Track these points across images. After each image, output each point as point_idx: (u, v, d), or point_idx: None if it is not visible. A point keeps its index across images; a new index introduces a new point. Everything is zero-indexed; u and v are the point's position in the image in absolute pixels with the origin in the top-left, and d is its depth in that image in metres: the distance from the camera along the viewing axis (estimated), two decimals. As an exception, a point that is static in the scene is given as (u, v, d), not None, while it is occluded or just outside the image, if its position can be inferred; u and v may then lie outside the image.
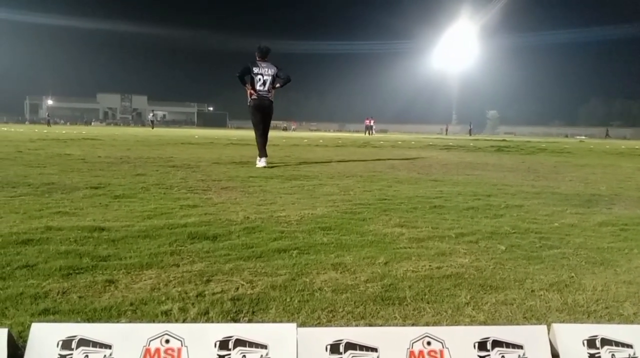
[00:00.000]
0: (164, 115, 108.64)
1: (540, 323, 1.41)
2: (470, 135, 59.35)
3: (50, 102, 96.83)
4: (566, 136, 72.77)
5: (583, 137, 63.95)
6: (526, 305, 1.90)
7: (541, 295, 2.01)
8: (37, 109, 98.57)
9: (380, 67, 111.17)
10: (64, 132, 25.96)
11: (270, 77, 7.98)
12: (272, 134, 9.76)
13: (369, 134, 46.75)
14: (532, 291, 2.06)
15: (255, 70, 7.94)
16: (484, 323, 1.73)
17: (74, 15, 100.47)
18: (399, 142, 22.20)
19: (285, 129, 70.26)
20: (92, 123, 77.17)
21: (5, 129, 31.93)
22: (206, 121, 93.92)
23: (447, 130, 75.72)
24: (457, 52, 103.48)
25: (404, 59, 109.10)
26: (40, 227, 2.93)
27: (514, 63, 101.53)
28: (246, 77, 7.95)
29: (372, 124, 50.05)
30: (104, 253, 2.42)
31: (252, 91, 7.93)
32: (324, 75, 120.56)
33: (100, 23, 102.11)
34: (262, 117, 8.15)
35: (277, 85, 8.07)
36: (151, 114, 58.71)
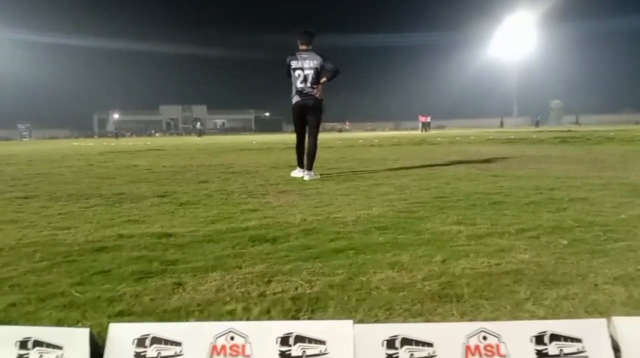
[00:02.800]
0: (223, 123, 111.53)
1: (600, 317, 1.38)
2: (537, 126, 57.20)
3: (116, 116, 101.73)
4: (637, 123, 68.77)
5: (656, 123, 60.19)
6: (588, 300, 1.86)
7: (605, 289, 1.96)
8: (104, 123, 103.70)
9: (434, 61, 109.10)
10: (130, 144, 27.24)
11: (313, 71, 6.52)
12: (326, 136, 9.75)
13: (425, 130, 46.22)
14: (595, 285, 2.01)
15: (294, 64, 6.57)
16: (543, 318, 1.71)
17: (136, 38, 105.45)
18: (457, 138, 21.75)
19: (340, 131, 70.38)
20: (156, 134, 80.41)
21: (76, 143, 33.88)
22: (263, 127, 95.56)
23: (502, 123, 73.10)
24: (516, 41, 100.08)
25: (460, 50, 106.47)
26: (112, 235, 3.14)
27: (577, 50, 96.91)
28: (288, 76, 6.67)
29: (428, 120, 49.54)
30: (172, 258, 2.56)
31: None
32: (376, 72, 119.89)
33: (160, 42, 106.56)
34: (304, 118, 6.72)
35: (323, 79, 6.59)
36: (199, 123, 57.88)
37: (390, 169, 7.39)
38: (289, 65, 6.60)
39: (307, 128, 6.77)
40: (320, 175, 6.71)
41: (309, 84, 6.54)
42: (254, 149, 15.87)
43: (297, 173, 6.74)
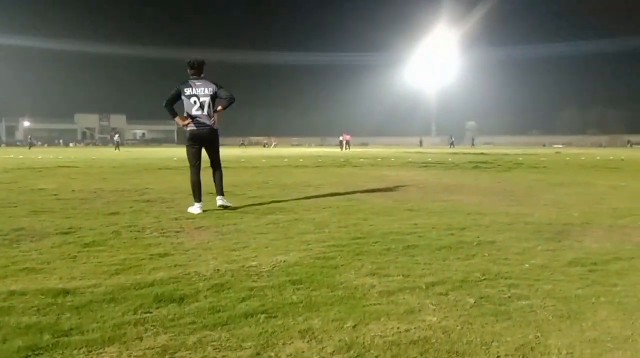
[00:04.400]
0: (143, 134, 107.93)
1: None
2: (452, 147, 59.95)
3: (27, 123, 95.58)
4: (544, 145, 74.05)
5: (560, 146, 65.17)
6: (491, 378, 1.89)
7: (506, 362, 2.01)
8: (13, 131, 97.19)
9: (360, 79, 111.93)
10: (40, 157, 25.58)
11: (208, 98, 6.39)
12: (252, 151, 9.57)
13: (346, 148, 47.77)
14: (497, 357, 2.06)
15: (188, 91, 6.36)
16: (447, 404, 1.71)
17: (50, 36, 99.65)
18: (378, 160, 22.32)
19: (265, 145, 70.27)
20: (70, 144, 76.07)
21: (-20, 154, 31.37)
22: (185, 139, 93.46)
23: (421, 142, 76.61)
24: (436, 64, 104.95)
25: (383, 70, 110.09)
26: (3, 292, 2.86)
27: (491, 74, 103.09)
28: (177, 102, 6.44)
29: (348, 138, 51.68)
30: (67, 326, 2.36)
31: (184, 120, 6.47)
32: (303, 89, 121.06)
33: (76, 44, 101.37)
34: (201, 148, 6.62)
35: (219, 108, 6.52)
36: (116, 135, 57.38)
37: (312, 198, 7.39)
38: (180, 92, 6.38)
39: (207, 156, 6.65)
40: (234, 207, 6.51)
41: (205, 112, 6.40)
42: (173, 168, 15.38)
43: (194, 209, 6.19)
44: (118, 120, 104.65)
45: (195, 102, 6.37)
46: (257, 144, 79.27)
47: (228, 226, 5.10)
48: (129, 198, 7.37)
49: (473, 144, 68.03)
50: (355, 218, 5.57)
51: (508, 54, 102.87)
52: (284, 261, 3.60)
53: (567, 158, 24.34)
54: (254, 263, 3.54)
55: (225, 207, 6.41)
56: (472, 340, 2.22)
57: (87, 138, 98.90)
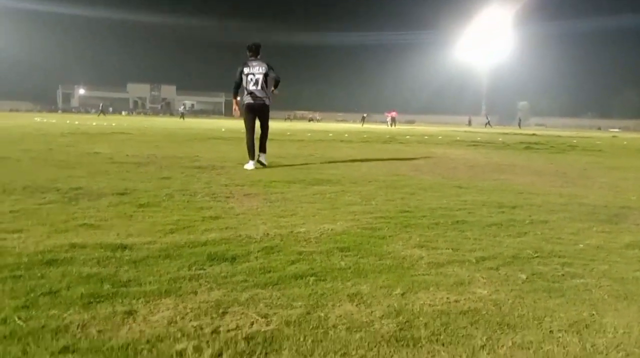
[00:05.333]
0: (192, 105, 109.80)
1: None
2: (488, 126, 58.40)
3: (82, 91, 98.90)
4: (599, 128, 70.91)
5: (617, 130, 62.25)
6: (543, 351, 1.86)
7: (559, 337, 1.97)
8: (69, 98, 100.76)
9: (408, 58, 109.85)
10: (94, 124, 26.49)
11: (262, 76, 7.80)
12: (297, 125, 9.82)
13: (392, 125, 47.50)
14: (550, 332, 2.02)
15: (246, 70, 7.87)
16: (498, 373, 1.70)
17: (105, 6, 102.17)
18: (425, 137, 21.97)
19: (310, 120, 70.21)
20: (123, 112, 78.15)
21: (39, 119, 32.78)
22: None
23: (470, 121, 74.30)
24: (487, 41, 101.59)
25: (432, 49, 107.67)
26: (65, 244, 3.01)
27: (546, 52, 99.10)
28: (238, 81, 7.97)
29: (394, 115, 51.69)
30: (125, 278, 2.46)
31: (237, 106, 8.34)
32: (350, 66, 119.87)
33: (131, 13, 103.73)
34: (255, 117, 8.03)
35: (274, 90, 8.03)
36: (182, 106, 60.06)
37: (358, 171, 7.38)
38: (241, 72, 7.91)
39: (258, 123, 8.09)
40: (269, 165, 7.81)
41: (259, 87, 7.85)
42: (222, 138, 15.64)
43: (249, 166, 7.53)
44: (168, 90, 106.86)
45: (251, 79, 7.83)
46: (302, 118, 79.23)
47: (276, 194, 5.16)
48: (181, 165, 7.56)
49: (520, 125, 65.69)
50: (402, 192, 5.52)
51: (564, 29, 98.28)
52: (332, 229, 3.63)
53: (625, 142, 23.27)
54: (302, 230, 3.58)
55: (262, 164, 7.72)
56: (524, 314, 2.19)
57: (138, 107, 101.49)
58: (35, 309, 2.08)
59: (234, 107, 8.44)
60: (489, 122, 63.46)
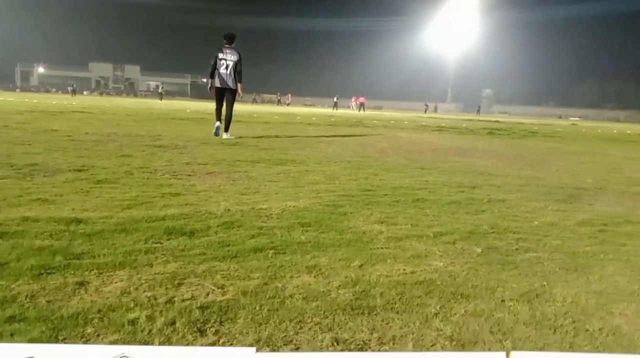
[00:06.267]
0: (157, 86, 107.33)
1: (500, 350, 1.41)
2: (478, 114, 59.56)
3: (41, 69, 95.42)
4: (560, 117, 72.81)
5: (577, 119, 64.06)
6: (494, 318, 1.91)
7: (510, 306, 2.03)
8: (28, 77, 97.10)
9: (377, 44, 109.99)
10: (53, 102, 25.64)
11: (232, 63, 9.30)
12: (264, 108, 9.93)
13: (361, 111, 47.98)
14: (502, 301, 2.07)
15: (221, 55, 9.35)
16: (450, 337, 1.74)
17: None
18: (392, 122, 22.13)
19: (279, 102, 69.49)
20: (84, 92, 75.65)
21: (-5, 97, 31.51)
22: (200, 93, 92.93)
23: (435, 108, 74.76)
24: (454, 28, 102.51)
25: (401, 36, 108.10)
26: (17, 218, 2.91)
27: (511, 40, 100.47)
28: (214, 64, 9.38)
29: (362, 101, 53.35)
30: (78, 251, 2.40)
31: (212, 83, 9.53)
32: (320, 51, 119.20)
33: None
34: (222, 96, 9.51)
35: (240, 85, 9.49)
36: (160, 86, 59.75)
37: (323, 154, 7.37)
38: (216, 56, 9.36)
39: (224, 102, 9.50)
40: (239, 138, 9.16)
41: (228, 72, 9.35)
42: (186, 119, 15.37)
43: (216, 124, 9.33)
44: (132, 70, 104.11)
45: (223, 63, 9.34)
46: (269, 101, 78.39)
47: (239, 173, 5.12)
48: (142, 143, 7.40)
49: (479, 113, 66.79)
50: (366, 173, 5.55)
51: (529, 17, 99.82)
52: (294, 206, 3.62)
53: (583, 130, 23.98)
54: (264, 206, 3.56)
55: (223, 138, 9.03)
56: (477, 285, 2.23)
57: (101, 87, 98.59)
58: (-19, 280, 2.00)
59: (208, 86, 9.71)
60: (427, 107, 65.33)
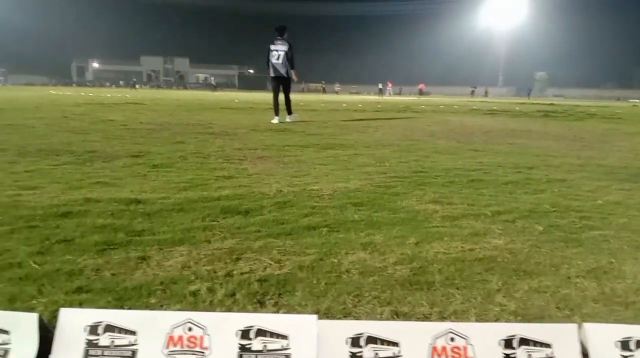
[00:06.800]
0: (206, 78, 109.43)
1: (571, 322, 1.35)
2: (529, 97, 57.97)
3: (96, 64, 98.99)
4: (618, 99, 69.36)
5: (637, 101, 60.87)
6: (560, 294, 1.83)
7: (577, 283, 1.94)
8: (83, 72, 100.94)
9: (423, 28, 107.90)
10: (108, 95, 26.57)
11: (283, 53, 10.10)
12: (311, 97, 10.01)
13: (384, 96, 51.31)
14: (567, 278, 1.99)
15: (272, 47, 10.17)
16: (514, 312, 1.68)
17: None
18: (441, 107, 21.69)
19: (324, 90, 69.34)
20: (136, 86, 78.11)
21: (54, 92, 32.93)
22: (247, 84, 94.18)
23: (486, 92, 71.58)
24: (505, 9, 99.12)
25: (447, 18, 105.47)
26: (79, 199, 3.02)
27: (565, 21, 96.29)
28: (268, 56, 10.20)
29: (389, 87, 57.28)
30: (139, 228, 2.47)
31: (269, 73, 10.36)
32: (364, 37, 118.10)
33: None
34: (278, 85, 10.33)
35: (294, 72, 10.26)
36: (212, 79, 61.57)
37: (371, 137, 7.31)
38: (269, 48, 10.18)
39: (281, 89, 10.40)
40: (302, 121, 10.21)
41: (280, 61, 10.13)
42: (235, 108, 15.60)
43: (274, 120, 9.88)
44: (182, 63, 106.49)
45: (275, 54, 10.15)
46: (315, 90, 78.34)
47: (289, 157, 5.14)
48: (194, 131, 7.56)
49: (529, 96, 64.34)
50: (417, 155, 5.46)
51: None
52: (345, 187, 3.60)
53: (646, 111, 22.76)
54: (315, 188, 3.56)
55: (291, 121, 10.08)
56: (540, 262, 2.15)
57: (152, 80, 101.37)
58: (49, 255, 2.09)
59: (269, 75, 10.49)
60: (474, 91, 64.03)
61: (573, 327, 1.29)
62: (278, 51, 10.10)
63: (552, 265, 2.12)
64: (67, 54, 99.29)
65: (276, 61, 10.09)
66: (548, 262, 2.15)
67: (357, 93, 79.20)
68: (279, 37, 10.19)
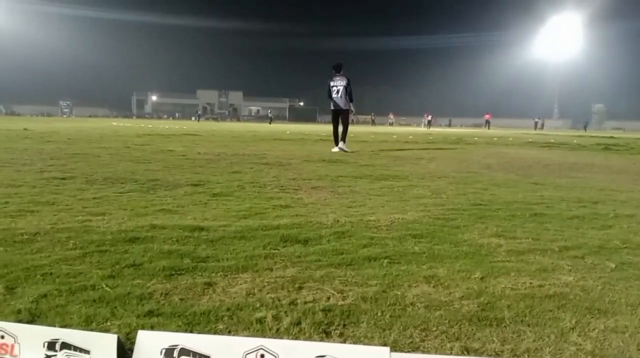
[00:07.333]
0: (258, 110, 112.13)
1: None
2: (586, 130, 56.22)
3: (154, 97, 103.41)
4: (685, 132, 65.95)
5: None
6: (641, 335, 1.73)
7: (658, 324, 1.83)
8: (142, 105, 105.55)
9: (473, 60, 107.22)
10: (166, 127, 27.62)
11: (342, 87, 10.97)
12: (360, 128, 9.95)
13: (427, 127, 53.68)
14: (647, 318, 1.88)
15: (332, 83, 11.13)
16: (591, 353, 1.60)
17: (176, 15, 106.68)
18: (495, 139, 21.29)
19: (373, 122, 69.44)
20: (192, 118, 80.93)
21: (115, 123, 34.58)
22: (297, 116, 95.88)
23: (542, 125, 68.73)
24: (560, 41, 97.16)
25: (500, 51, 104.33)
26: (145, 225, 3.13)
27: (623, 51, 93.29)
28: (328, 91, 11.17)
29: (429, 118, 60.04)
30: (203, 254, 2.53)
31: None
32: (416, 70, 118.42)
33: (200, 21, 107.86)
34: (338, 117, 11.15)
35: (351, 106, 11.14)
36: (269, 112, 63.82)
37: (425, 168, 7.24)
38: (329, 84, 11.16)
39: (339, 121, 11.16)
40: (352, 151, 10.72)
41: (339, 95, 11.03)
42: (287, 139, 15.87)
43: (335, 149, 10.76)
44: (235, 96, 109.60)
45: (335, 89, 11.08)
46: (364, 122, 78.62)
47: (343, 187, 5.16)
48: (250, 161, 7.72)
49: (586, 129, 61.96)
50: (474, 188, 5.36)
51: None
52: (402, 218, 3.57)
53: None
54: (372, 218, 3.54)
55: (343, 150, 10.58)
56: (615, 300, 2.05)
57: (207, 113, 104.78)
58: (120, 278, 2.17)
59: (331, 108, 11.33)
60: (537, 123, 62.05)
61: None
62: (337, 86, 10.97)
63: (628, 304, 2.01)
64: (127, 87, 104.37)
65: (336, 96, 10.98)
66: (624, 300, 2.05)
67: (407, 124, 78.98)
68: (337, 73, 11.07)
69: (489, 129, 51.71)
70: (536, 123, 64.23)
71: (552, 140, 20.46)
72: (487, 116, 58.85)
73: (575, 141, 20.64)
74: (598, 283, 2.26)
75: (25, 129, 16.66)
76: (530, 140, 20.91)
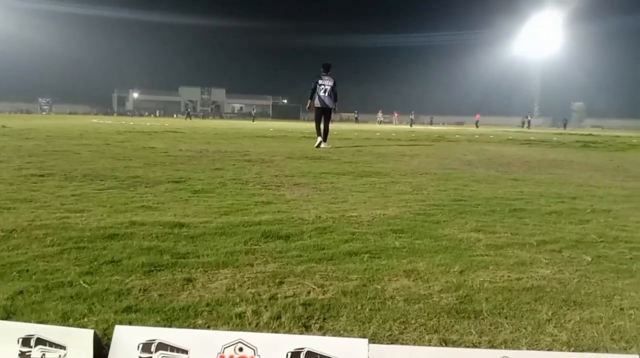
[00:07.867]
0: (241, 107, 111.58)
1: (629, 354, 1.28)
2: (565, 128, 56.90)
3: (135, 95, 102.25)
4: (662, 130, 67.27)
5: (681, 131, 58.92)
6: (614, 326, 1.77)
7: (631, 314, 1.87)
8: (124, 102, 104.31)
9: (457, 58, 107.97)
10: (148, 124, 27.35)
11: (329, 87, 11.47)
12: (344, 126, 9.94)
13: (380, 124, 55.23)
14: (620, 309, 1.92)
15: (320, 81, 11.56)
16: (566, 343, 1.62)
17: (159, 11, 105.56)
18: (476, 136, 21.49)
19: (356, 120, 69.48)
20: (174, 115, 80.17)
21: (96, 120, 34.12)
22: (280, 113, 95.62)
23: (523, 123, 68.60)
24: (541, 39, 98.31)
25: (482, 49, 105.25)
26: (125, 222, 3.10)
27: (602, 50, 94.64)
28: (314, 88, 11.57)
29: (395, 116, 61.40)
30: (183, 251, 2.51)
31: (311, 104, 11.72)
32: (398, 68, 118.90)
33: (182, 18, 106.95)
34: (321, 115, 11.54)
35: (335, 104, 11.63)
36: (253, 109, 63.18)
37: (407, 166, 7.28)
38: (316, 82, 11.56)
39: (322, 119, 11.55)
40: (335, 147, 11.00)
41: (326, 94, 11.50)
42: (270, 137, 15.82)
43: (318, 139, 11.31)
44: (218, 93, 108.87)
45: (322, 88, 11.50)
46: (347, 120, 78.68)
47: (326, 184, 5.16)
48: (232, 158, 7.69)
49: (565, 127, 62.81)
50: (455, 184, 5.41)
51: (622, 26, 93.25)
52: (383, 214, 3.59)
53: (691, 142, 22.00)
54: (353, 214, 3.56)
55: (323, 147, 10.93)
56: (591, 292, 2.09)
57: (190, 110, 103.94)
58: (98, 275, 2.14)
59: (307, 105, 11.92)
60: (525, 122, 62.72)
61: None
62: (325, 85, 11.48)
63: (604, 296, 2.05)
64: (108, 84, 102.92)
65: (323, 94, 11.49)
66: (599, 293, 2.09)
67: (388, 123, 79.33)
68: (325, 73, 11.60)
69: (477, 127, 52.22)
70: (524, 122, 64.57)
71: (532, 138, 20.71)
72: (478, 116, 60.60)
73: (555, 138, 20.93)
74: (574, 276, 2.29)
75: (3, 126, 16.35)
76: (510, 137, 21.15)
